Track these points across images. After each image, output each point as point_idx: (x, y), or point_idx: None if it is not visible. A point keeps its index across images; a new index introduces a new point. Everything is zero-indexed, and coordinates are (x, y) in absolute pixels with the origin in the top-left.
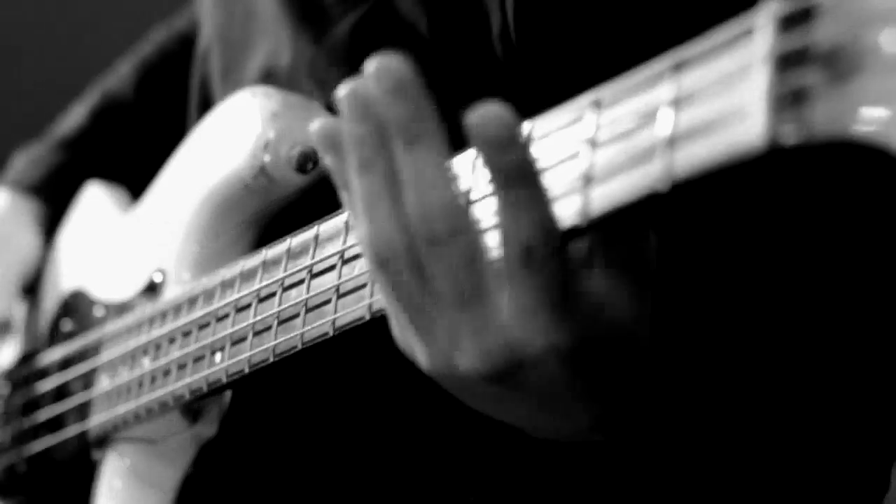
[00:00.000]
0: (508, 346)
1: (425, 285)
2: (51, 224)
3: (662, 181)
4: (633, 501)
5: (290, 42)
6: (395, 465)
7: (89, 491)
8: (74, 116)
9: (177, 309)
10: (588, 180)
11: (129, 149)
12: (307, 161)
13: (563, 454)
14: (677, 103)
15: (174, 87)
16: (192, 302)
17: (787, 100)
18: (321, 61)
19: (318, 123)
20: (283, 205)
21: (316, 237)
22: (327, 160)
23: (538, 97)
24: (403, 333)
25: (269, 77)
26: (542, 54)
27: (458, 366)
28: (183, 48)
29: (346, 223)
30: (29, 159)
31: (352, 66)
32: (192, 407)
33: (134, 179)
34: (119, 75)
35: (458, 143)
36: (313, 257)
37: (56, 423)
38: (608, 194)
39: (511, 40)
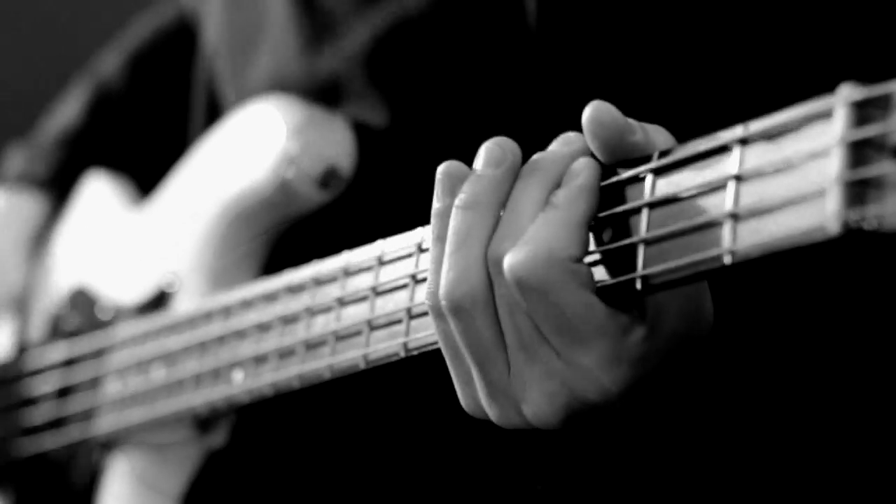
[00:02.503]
0: (573, 394)
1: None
2: (53, 215)
3: (726, 255)
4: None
5: (300, 50)
6: (403, 476)
7: (90, 493)
8: (69, 111)
9: (192, 321)
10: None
11: (128, 140)
12: (331, 178)
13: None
14: (743, 177)
15: (168, 78)
16: (208, 316)
17: (863, 187)
18: (332, 71)
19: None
20: (301, 219)
21: (345, 269)
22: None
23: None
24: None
25: (278, 85)
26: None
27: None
28: (173, 37)
29: (379, 259)
30: (29, 156)
31: (370, 75)
32: (205, 419)
33: (135, 169)
34: (110, 66)
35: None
36: (343, 288)
37: (58, 423)
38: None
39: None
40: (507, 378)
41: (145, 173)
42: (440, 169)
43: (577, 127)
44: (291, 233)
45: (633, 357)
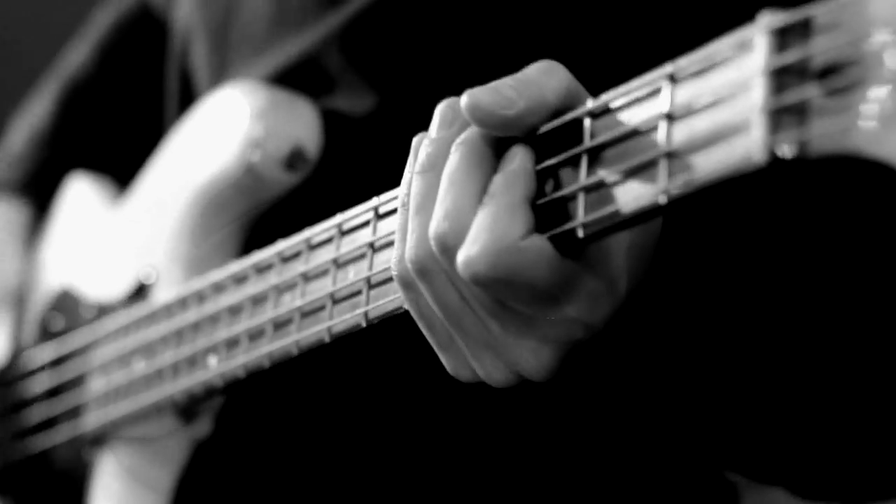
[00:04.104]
0: (558, 342)
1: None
2: (36, 221)
3: (661, 195)
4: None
5: (275, 32)
6: (388, 463)
7: (82, 491)
8: (39, 110)
9: (168, 310)
10: (588, 191)
11: (102, 132)
12: (297, 159)
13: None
14: (674, 115)
15: (137, 65)
16: (183, 303)
17: (786, 114)
18: (307, 53)
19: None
20: (273, 203)
21: (308, 242)
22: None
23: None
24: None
25: (254, 70)
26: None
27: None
28: (138, 24)
29: (339, 228)
30: (2, 163)
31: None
32: (187, 408)
33: (111, 161)
34: (77, 60)
35: None
36: (307, 262)
37: (49, 423)
38: (606, 205)
39: None
40: (486, 334)
41: (122, 164)
42: (415, 137)
43: None
44: (271, 222)
45: (607, 290)
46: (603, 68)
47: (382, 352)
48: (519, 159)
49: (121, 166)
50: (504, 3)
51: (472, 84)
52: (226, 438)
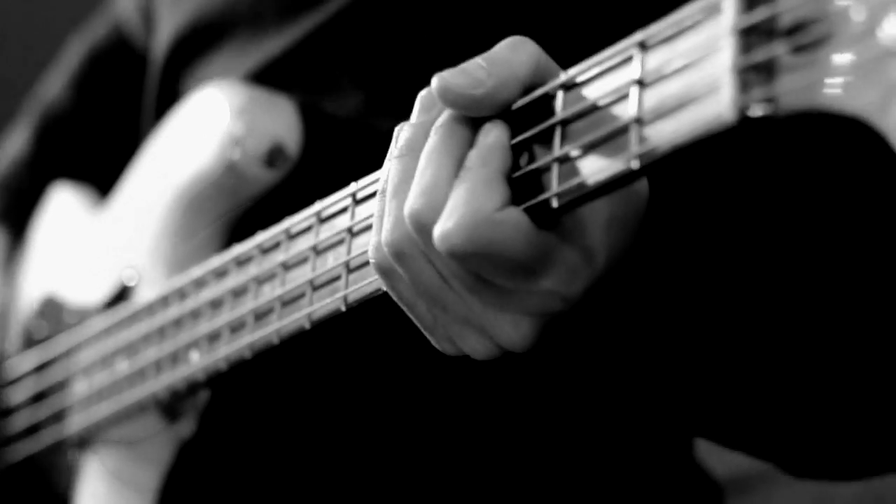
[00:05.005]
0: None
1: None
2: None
3: (633, 160)
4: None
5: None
6: (374, 460)
7: (68, 494)
8: (17, 141)
9: (150, 309)
10: (562, 161)
11: (80, 158)
12: (277, 156)
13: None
14: (644, 82)
15: (114, 91)
16: (164, 301)
17: (755, 72)
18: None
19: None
20: (255, 202)
21: (287, 231)
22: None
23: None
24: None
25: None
26: None
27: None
28: (113, 50)
29: (318, 215)
30: None
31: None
32: (171, 406)
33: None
34: (53, 89)
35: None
36: (287, 252)
37: (33, 429)
38: (579, 174)
39: None
40: (466, 310)
41: (99, 187)
42: (395, 129)
43: None
44: (254, 222)
45: (585, 263)
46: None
47: (362, 346)
48: (494, 135)
49: (97, 187)
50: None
51: None
52: (210, 437)
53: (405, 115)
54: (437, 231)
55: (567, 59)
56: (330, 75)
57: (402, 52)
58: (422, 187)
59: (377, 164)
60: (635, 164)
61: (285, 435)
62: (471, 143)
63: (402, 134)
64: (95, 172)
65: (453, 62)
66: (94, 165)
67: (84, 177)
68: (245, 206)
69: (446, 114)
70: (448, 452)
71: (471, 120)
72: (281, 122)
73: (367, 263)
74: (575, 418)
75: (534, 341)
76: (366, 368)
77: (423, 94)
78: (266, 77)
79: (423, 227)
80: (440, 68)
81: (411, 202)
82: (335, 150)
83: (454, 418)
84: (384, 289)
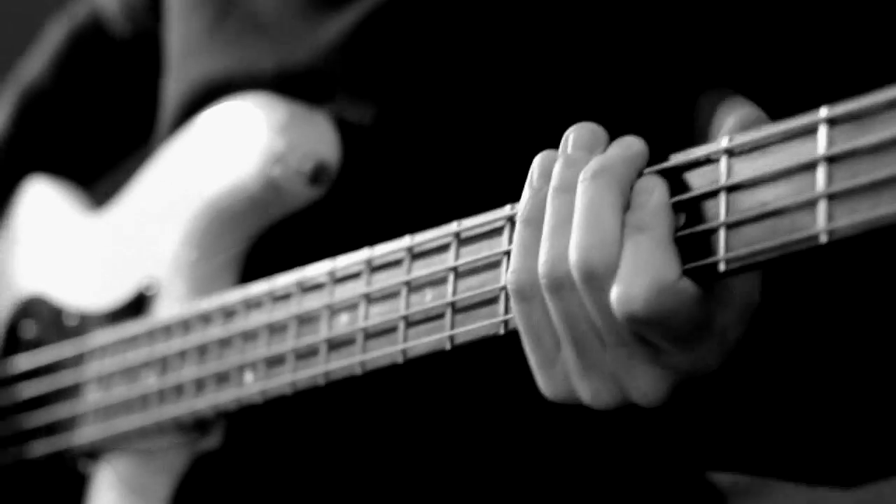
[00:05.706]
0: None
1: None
2: None
3: (823, 234)
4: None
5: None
6: (396, 477)
7: (76, 502)
8: None
9: (185, 325)
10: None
11: (61, 138)
12: (321, 173)
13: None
14: (835, 160)
15: (94, 73)
16: (205, 318)
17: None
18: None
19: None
20: (284, 217)
21: (369, 262)
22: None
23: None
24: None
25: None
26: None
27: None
28: (93, 33)
29: (410, 251)
30: None
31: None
32: (203, 421)
33: (70, 167)
34: (34, 69)
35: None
36: (369, 285)
37: (34, 434)
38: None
39: None
40: (604, 356)
41: (80, 170)
42: (538, 155)
43: (577, 118)
44: (273, 235)
45: (729, 331)
46: (602, 75)
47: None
48: (658, 192)
49: (77, 170)
50: (503, 12)
51: (471, 93)
52: (227, 447)
53: (416, 129)
54: (618, 294)
55: (582, 70)
56: (342, 85)
57: (417, 67)
58: (596, 239)
59: (394, 180)
60: (824, 239)
61: (305, 447)
62: (629, 194)
63: (559, 168)
64: (74, 154)
65: (466, 77)
66: (74, 146)
67: (63, 158)
68: (275, 224)
69: (613, 159)
70: (454, 459)
71: (634, 171)
72: (322, 138)
73: (476, 306)
74: (579, 425)
75: (664, 399)
76: (395, 385)
77: (581, 130)
78: (280, 84)
79: (594, 278)
80: (454, 84)
81: (585, 253)
82: (356, 164)
83: (458, 426)
84: (515, 318)
